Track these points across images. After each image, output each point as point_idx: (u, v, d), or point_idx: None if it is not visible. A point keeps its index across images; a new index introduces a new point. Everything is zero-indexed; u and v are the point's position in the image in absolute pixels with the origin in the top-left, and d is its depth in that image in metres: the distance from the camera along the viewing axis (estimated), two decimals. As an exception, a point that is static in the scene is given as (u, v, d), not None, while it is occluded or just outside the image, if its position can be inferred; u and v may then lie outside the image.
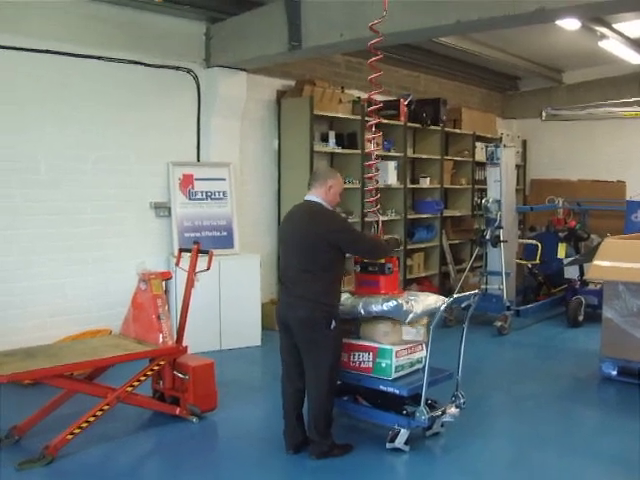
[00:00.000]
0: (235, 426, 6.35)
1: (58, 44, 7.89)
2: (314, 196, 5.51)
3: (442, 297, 5.85)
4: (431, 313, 5.64)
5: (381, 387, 5.64)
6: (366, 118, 10.48)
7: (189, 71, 9.17)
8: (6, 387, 6.12)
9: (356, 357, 5.77)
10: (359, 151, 10.71)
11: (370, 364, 5.69)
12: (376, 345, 5.66)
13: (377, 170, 6.32)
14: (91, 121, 8.27)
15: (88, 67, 8.19)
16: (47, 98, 7.92)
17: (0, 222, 7.59)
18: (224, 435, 6.33)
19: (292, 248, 5.49)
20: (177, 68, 9.05)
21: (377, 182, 6.33)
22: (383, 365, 5.62)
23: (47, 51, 7.82)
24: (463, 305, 5.76)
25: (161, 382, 6.47)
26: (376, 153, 6.23)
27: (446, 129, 12.79)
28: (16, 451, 5.63)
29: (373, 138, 6.31)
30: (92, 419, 5.65)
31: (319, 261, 5.34)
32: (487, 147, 10.57)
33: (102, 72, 8.33)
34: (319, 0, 7.85)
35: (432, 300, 5.76)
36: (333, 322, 5.32)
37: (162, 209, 8.93)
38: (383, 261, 5.80)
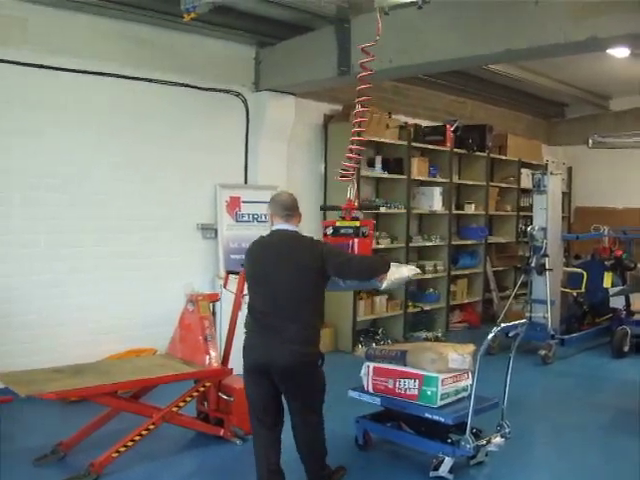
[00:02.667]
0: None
1: (109, 66, 8.05)
2: (289, 225, 5.03)
3: (414, 268, 5.85)
4: (404, 282, 5.55)
5: (426, 414, 5.62)
6: (413, 144, 10.53)
7: (238, 94, 9.28)
8: (52, 403, 6.20)
9: (402, 384, 5.75)
10: (405, 176, 10.74)
11: (416, 391, 5.67)
12: (422, 373, 5.64)
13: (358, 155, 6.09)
14: (140, 142, 8.40)
15: (138, 89, 8.34)
16: (98, 119, 8.06)
17: (50, 239, 7.73)
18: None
19: (277, 282, 4.81)
20: (227, 91, 9.16)
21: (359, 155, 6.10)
22: (429, 393, 5.61)
23: (99, 73, 7.98)
24: (511, 334, 5.72)
25: (206, 403, 6.50)
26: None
27: (492, 155, 12.76)
28: (62, 467, 5.70)
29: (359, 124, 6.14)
30: (137, 438, 5.68)
31: (309, 293, 4.88)
32: (534, 174, 10.49)
33: (153, 94, 8.45)
34: (369, 26, 7.87)
35: (405, 270, 5.73)
36: (322, 358, 4.96)
37: (209, 230, 9.01)
38: (358, 224, 5.58)
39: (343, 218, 5.77)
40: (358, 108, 6.09)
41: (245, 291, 6.05)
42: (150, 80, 8.37)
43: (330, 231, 5.73)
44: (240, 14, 8.27)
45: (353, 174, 5.99)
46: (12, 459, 5.86)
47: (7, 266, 7.48)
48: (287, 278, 4.80)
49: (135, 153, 8.37)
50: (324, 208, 5.85)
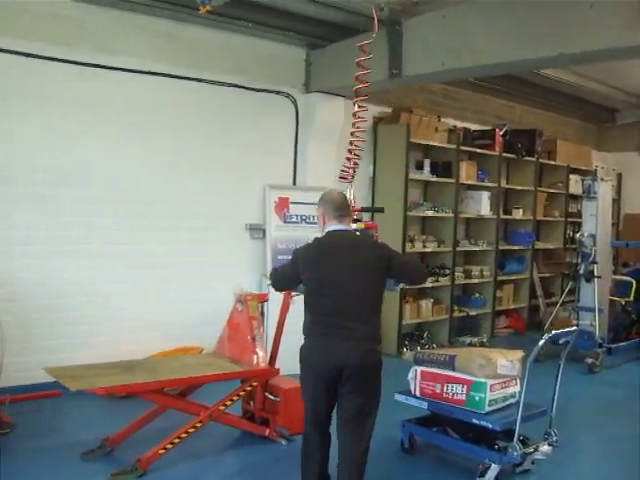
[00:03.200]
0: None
1: (161, 66, 8.12)
2: (343, 225, 4.87)
3: None
4: None
5: (474, 420, 5.60)
6: (462, 148, 10.50)
7: (288, 95, 9.31)
8: (99, 398, 6.27)
9: (449, 389, 5.74)
10: (453, 180, 10.70)
11: (463, 396, 5.66)
12: (471, 378, 5.62)
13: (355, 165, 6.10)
14: (191, 142, 8.46)
15: (189, 89, 8.39)
16: (149, 118, 8.14)
17: (102, 237, 7.84)
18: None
19: (344, 283, 4.66)
20: (277, 92, 9.20)
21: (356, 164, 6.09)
22: (477, 398, 5.58)
23: (151, 72, 8.05)
24: (561, 341, 5.66)
25: (252, 402, 6.53)
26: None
27: (540, 160, 12.68)
28: (109, 462, 5.75)
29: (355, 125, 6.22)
30: (184, 435, 5.72)
31: (375, 293, 4.79)
32: (583, 180, 10.37)
33: (203, 95, 8.50)
34: (422, 29, 7.87)
35: None
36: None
37: (257, 231, 9.05)
38: (362, 226, 5.54)
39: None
40: (355, 108, 6.20)
41: (294, 292, 5.98)
42: (200, 80, 8.42)
43: None
44: (291, 16, 8.29)
45: (353, 175, 5.96)
46: (60, 452, 5.95)
47: (61, 262, 7.58)
48: (354, 279, 4.68)
49: (185, 153, 8.43)
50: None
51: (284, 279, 5.14)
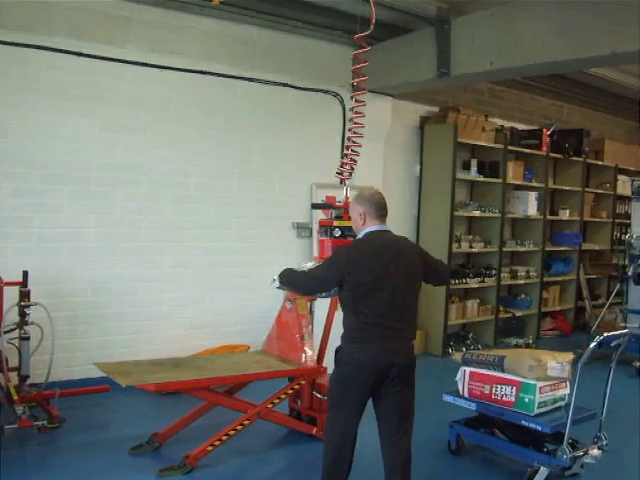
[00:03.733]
0: (370, 451, 6.32)
1: (211, 65, 8.17)
2: (384, 226, 4.79)
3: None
4: None
5: (523, 422, 5.55)
6: (509, 147, 10.41)
7: (336, 94, 9.32)
8: (145, 394, 6.35)
9: (498, 390, 5.70)
10: (500, 180, 10.63)
11: (513, 398, 5.62)
12: (520, 379, 5.58)
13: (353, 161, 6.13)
14: (240, 141, 8.50)
15: (239, 88, 8.43)
16: (199, 117, 8.21)
17: (151, 234, 7.92)
18: (358, 459, 6.30)
19: (392, 284, 4.58)
20: (325, 91, 9.21)
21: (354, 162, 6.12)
22: (526, 400, 5.54)
23: (201, 72, 8.10)
24: (613, 344, 5.60)
25: (299, 401, 6.54)
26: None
27: (588, 160, 12.53)
28: (157, 457, 5.83)
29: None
30: (232, 432, 5.75)
31: (416, 293, 4.80)
32: (633, 181, 10.26)
33: (253, 93, 8.54)
34: (470, 28, 7.83)
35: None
36: None
37: (304, 229, 9.07)
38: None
39: (340, 218, 5.70)
40: (353, 103, 6.22)
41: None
42: (251, 79, 8.47)
43: (338, 233, 5.67)
44: (340, 14, 8.30)
45: (350, 173, 5.94)
46: (109, 447, 6.03)
47: (109, 259, 7.68)
48: (402, 280, 4.63)
49: (234, 151, 8.47)
50: (315, 206, 5.71)
51: (322, 281, 4.86)
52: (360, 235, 4.78)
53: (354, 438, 4.74)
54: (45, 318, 6.42)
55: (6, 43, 6.85)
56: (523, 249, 11.39)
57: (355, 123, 6.28)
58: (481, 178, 10.55)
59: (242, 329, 8.40)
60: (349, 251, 4.73)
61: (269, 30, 8.52)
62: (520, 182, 11.17)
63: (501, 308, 11.06)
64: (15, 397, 6.11)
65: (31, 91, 7.11)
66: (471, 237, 10.60)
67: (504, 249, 10.92)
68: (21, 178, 7.11)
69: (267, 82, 8.63)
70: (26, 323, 6.35)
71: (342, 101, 9.34)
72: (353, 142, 6.19)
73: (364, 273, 4.55)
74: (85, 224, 7.50)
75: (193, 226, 8.16)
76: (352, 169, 6.12)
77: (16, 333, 6.39)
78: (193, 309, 8.25)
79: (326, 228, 5.70)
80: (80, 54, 7.26)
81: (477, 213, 10.57)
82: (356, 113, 6.30)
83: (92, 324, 7.59)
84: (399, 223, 10.17)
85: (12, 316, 6.38)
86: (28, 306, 6.35)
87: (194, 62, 8.05)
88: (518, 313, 11.32)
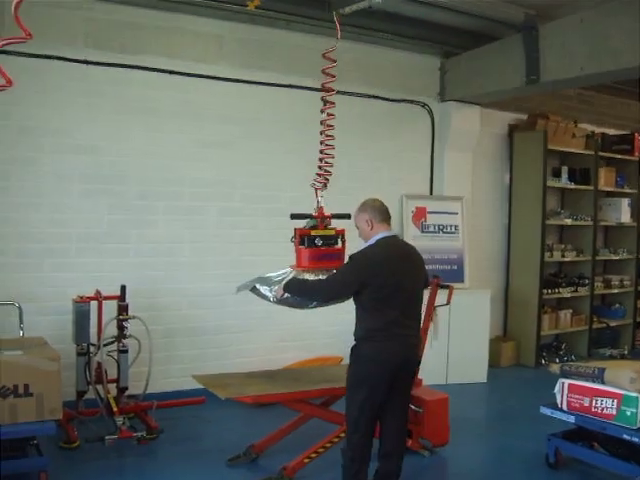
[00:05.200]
0: (465, 464, 6.29)
1: (295, 78, 8.21)
2: (391, 231, 5.11)
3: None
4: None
5: (624, 436, 5.41)
6: (600, 154, 10.21)
7: (424, 105, 9.30)
8: (239, 406, 6.41)
9: (599, 403, 5.58)
10: (591, 187, 10.45)
11: (614, 411, 5.48)
12: (622, 392, 5.44)
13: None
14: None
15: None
16: (289, 130, 8.28)
17: (244, 247, 8.04)
18: (453, 471, 6.28)
19: (407, 288, 4.87)
20: (412, 102, 9.19)
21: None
22: (628, 413, 5.40)
23: (289, 85, 8.17)
24: None
25: (393, 413, 6.50)
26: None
27: (683, 165, 12.16)
28: (254, 469, 5.89)
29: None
30: (328, 445, 5.77)
31: (422, 295, 5.18)
32: None
33: (339, 106, 8.51)
34: (559, 33, 7.72)
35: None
36: None
37: (395, 241, 9.01)
38: (333, 232, 5.69)
39: (315, 227, 5.70)
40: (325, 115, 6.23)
41: (436, 302, 6.22)
42: (337, 92, 8.47)
43: (320, 242, 5.66)
44: (426, 24, 8.28)
45: (326, 181, 5.93)
46: (206, 458, 6.12)
47: (203, 273, 7.81)
48: (414, 282, 5.00)
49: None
50: (295, 216, 5.68)
51: (343, 286, 5.02)
52: (372, 241, 5.01)
53: (372, 437, 5.16)
54: (143, 331, 6.55)
55: (100, 64, 7.06)
56: (617, 257, 11.15)
57: (328, 126, 6.20)
58: (572, 185, 10.37)
59: (335, 341, 8.35)
60: (367, 257, 4.93)
61: (355, 42, 8.49)
62: (612, 189, 10.95)
63: (595, 318, 10.83)
64: (115, 409, 6.24)
65: (125, 109, 7.30)
66: (563, 246, 10.45)
67: (597, 258, 10.71)
68: (117, 195, 7.30)
69: (354, 94, 8.61)
70: (125, 336, 6.51)
71: (430, 111, 9.32)
72: (327, 145, 6.16)
73: (385, 276, 4.82)
74: (180, 239, 7.65)
75: (284, 239, 8.19)
76: (326, 179, 6.06)
77: (115, 346, 6.55)
78: (285, 321, 8.22)
79: (303, 237, 5.70)
80: (172, 72, 7.42)
81: (569, 221, 10.39)
82: (329, 115, 6.25)
83: (187, 337, 7.73)
84: (490, 233, 10.11)
85: (111, 329, 6.53)
86: (126, 319, 6.50)
87: (278, 76, 8.13)
88: (612, 323, 11.08)
